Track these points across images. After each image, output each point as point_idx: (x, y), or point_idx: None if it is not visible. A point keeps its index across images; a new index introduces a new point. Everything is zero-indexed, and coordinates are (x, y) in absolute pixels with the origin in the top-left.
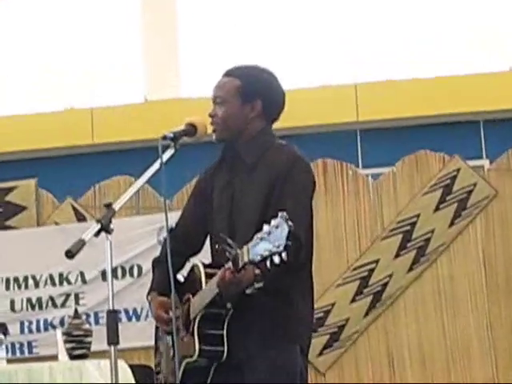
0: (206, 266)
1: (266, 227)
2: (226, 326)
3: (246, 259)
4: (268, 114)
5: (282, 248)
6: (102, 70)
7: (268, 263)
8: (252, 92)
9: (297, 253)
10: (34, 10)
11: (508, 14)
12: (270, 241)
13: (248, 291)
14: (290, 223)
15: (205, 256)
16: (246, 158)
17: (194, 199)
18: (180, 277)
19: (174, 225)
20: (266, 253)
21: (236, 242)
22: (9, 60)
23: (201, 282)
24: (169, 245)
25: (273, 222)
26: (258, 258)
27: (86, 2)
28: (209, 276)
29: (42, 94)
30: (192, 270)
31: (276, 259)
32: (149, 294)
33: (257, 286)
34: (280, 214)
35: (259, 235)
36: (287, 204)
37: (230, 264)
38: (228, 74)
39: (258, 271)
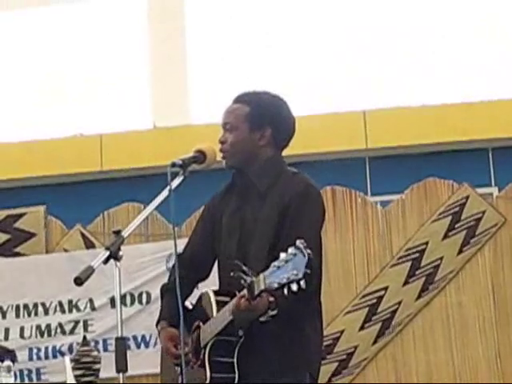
0: (216, 294)
1: (283, 255)
2: (236, 354)
3: (262, 287)
4: (278, 142)
5: (300, 275)
6: (111, 97)
7: (286, 291)
8: (261, 119)
9: (310, 280)
10: (42, 37)
11: None
12: (288, 268)
13: (262, 319)
14: (308, 251)
15: (213, 282)
16: (258, 185)
17: (201, 225)
18: (188, 304)
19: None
20: (284, 280)
21: (247, 268)
22: (17, 86)
23: (211, 310)
24: (177, 273)
25: (290, 250)
26: (275, 285)
27: (95, 27)
28: (220, 304)
29: (51, 120)
30: (201, 297)
31: (294, 287)
32: (158, 322)
33: (271, 313)
34: (298, 241)
35: (276, 263)
36: (300, 232)
37: (244, 292)
38: (238, 100)
39: (272, 299)
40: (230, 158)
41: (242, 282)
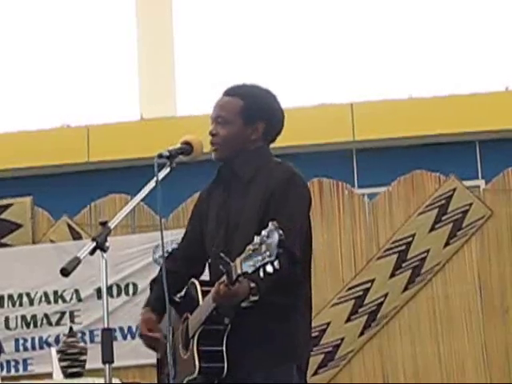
0: (202, 284)
1: (256, 238)
2: (224, 342)
3: (238, 271)
4: (268, 136)
5: (273, 257)
6: (98, 88)
7: (262, 273)
8: (255, 114)
9: (292, 268)
10: (29, 27)
11: (503, 35)
12: (261, 251)
13: (244, 304)
14: (280, 232)
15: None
16: (241, 176)
17: (192, 221)
18: (177, 298)
19: (174, 245)
20: (259, 263)
21: (233, 258)
22: (4, 77)
23: (198, 300)
24: (164, 265)
25: (263, 233)
26: (252, 268)
27: (83, 20)
28: (205, 293)
29: (38, 111)
30: (188, 288)
31: (269, 268)
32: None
33: (252, 298)
34: (270, 223)
35: (251, 247)
36: (282, 220)
37: (224, 278)
38: (230, 93)
39: (253, 285)
40: (221, 152)
41: (221, 267)
